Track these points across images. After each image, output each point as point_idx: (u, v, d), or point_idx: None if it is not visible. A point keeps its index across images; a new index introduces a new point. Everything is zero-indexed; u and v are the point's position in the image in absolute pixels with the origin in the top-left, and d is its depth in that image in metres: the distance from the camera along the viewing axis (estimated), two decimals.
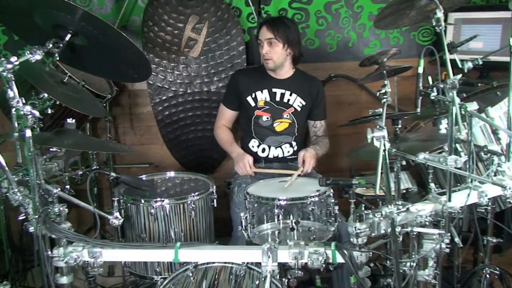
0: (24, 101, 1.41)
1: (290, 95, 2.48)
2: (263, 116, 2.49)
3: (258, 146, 2.52)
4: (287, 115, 2.49)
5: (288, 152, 2.52)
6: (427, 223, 1.49)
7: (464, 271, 2.19)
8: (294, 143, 2.52)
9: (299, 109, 2.49)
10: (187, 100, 3.04)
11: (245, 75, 2.58)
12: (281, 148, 2.51)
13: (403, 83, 2.40)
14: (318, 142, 2.54)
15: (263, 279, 1.46)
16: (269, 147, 2.51)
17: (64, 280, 1.58)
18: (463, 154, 1.56)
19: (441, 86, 1.51)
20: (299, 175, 2.19)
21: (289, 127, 2.51)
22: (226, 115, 2.61)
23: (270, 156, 2.51)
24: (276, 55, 2.38)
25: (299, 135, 2.54)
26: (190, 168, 3.07)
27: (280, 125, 2.50)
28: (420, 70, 1.68)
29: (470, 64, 1.67)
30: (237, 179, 2.43)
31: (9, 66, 1.37)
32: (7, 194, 1.53)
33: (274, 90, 2.48)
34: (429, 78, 1.74)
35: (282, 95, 2.48)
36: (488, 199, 1.62)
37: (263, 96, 2.48)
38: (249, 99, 2.49)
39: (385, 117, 1.47)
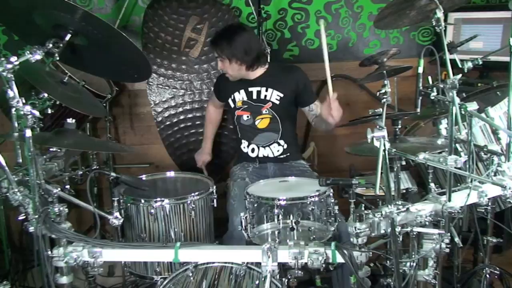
0: (24, 101, 1.41)
1: (266, 90, 2.47)
2: (243, 115, 2.50)
3: (248, 147, 2.52)
4: (266, 111, 2.47)
5: (278, 151, 2.49)
6: (427, 223, 1.49)
7: (464, 271, 2.19)
8: (281, 141, 2.49)
9: (277, 102, 2.46)
10: (187, 101, 3.03)
11: (224, 79, 2.56)
12: (270, 148, 2.49)
13: (403, 83, 2.40)
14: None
15: (263, 279, 1.46)
16: (258, 147, 2.50)
17: (64, 280, 1.58)
18: (463, 154, 1.56)
19: (441, 86, 1.51)
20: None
21: (271, 122, 2.48)
22: (215, 100, 2.74)
23: (260, 155, 2.51)
24: (229, 69, 2.40)
25: (285, 132, 2.49)
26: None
27: (261, 122, 2.48)
28: (420, 70, 1.69)
29: (470, 64, 1.67)
30: (233, 175, 2.47)
31: (9, 66, 1.37)
32: (7, 194, 1.53)
33: (250, 89, 2.49)
34: (429, 78, 1.74)
35: (258, 92, 2.48)
36: (488, 199, 1.62)
37: (240, 96, 2.50)
38: (230, 101, 2.53)
39: (385, 117, 1.47)
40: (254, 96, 2.48)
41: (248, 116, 2.50)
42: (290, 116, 2.55)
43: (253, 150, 2.52)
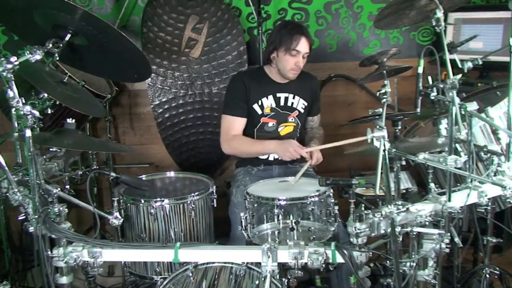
0: (24, 101, 1.41)
1: (293, 98, 2.44)
2: (269, 122, 2.43)
3: None
4: (292, 119, 2.45)
5: None
6: (427, 223, 1.49)
7: (464, 271, 2.19)
8: None
9: (302, 111, 2.46)
10: (187, 102, 3.02)
11: (249, 79, 2.43)
12: None
13: (403, 83, 2.40)
14: (315, 135, 2.53)
15: (263, 279, 1.46)
16: None
17: (64, 280, 1.58)
18: (463, 154, 1.56)
19: (441, 86, 1.51)
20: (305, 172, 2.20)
21: (293, 130, 2.47)
22: (237, 125, 2.39)
23: (270, 158, 2.47)
24: (302, 66, 2.35)
25: (301, 137, 2.52)
26: (190, 171, 3.05)
27: (284, 129, 2.45)
28: (420, 70, 1.68)
29: (470, 64, 1.67)
30: (236, 181, 2.41)
31: (9, 66, 1.37)
32: (7, 194, 1.53)
33: (278, 95, 2.42)
34: (429, 78, 1.74)
35: (286, 99, 2.43)
36: (488, 199, 1.62)
37: (268, 102, 2.41)
38: (256, 106, 2.40)
39: (385, 117, 1.47)
40: (282, 103, 2.43)
41: (273, 124, 2.43)
42: (305, 123, 2.57)
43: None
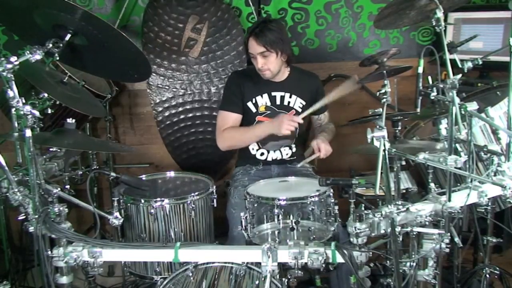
0: (24, 101, 1.41)
1: (290, 97, 2.41)
2: (265, 121, 2.41)
3: (257, 150, 2.46)
4: None
5: (287, 154, 2.47)
6: (427, 223, 1.49)
7: (464, 271, 2.19)
8: (293, 145, 2.48)
9: (300, 110, 2.43)
10: (187, 101, 3.03)
11: (244, 77, 2.45)
12: (280, 151, 2.46)
13: (403, 83, 2.40)
14: (324, 129, 2.47)
15: (263, 279, 1.46)
16: (268, 151, 2.46)
17: (64, 280, 1.58)
18: (463, 154, 1.56)
19: (441, 86, 1.51)
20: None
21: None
22: (231, 120, 2.38)
23: (269, 159, 2.46)
24: (273, 65, 2.27)
25: (299, 137, 2.49)
26: (190, 171, 3.06)
27: None
28: (420, 70, 1.68)
29: (470, 64, 1.67)
30: (235, 181, 2.41)
31: (9, 66, 1.37)
32: (7, 194, 1.53)
33: (273, 93, 2.40)
34: (429, 78, 1.74)
35: (282, 98, 2.41)
36: (488, 199, 1.62)
37: (263, 101, 2.39)
38: (250, 104, 2.40)
39: (385, 117, 1.47)
40: (278, 102, 2.40)
41: None
42: (306, 122, 2.52)
43: (262, 154, 2.46)
